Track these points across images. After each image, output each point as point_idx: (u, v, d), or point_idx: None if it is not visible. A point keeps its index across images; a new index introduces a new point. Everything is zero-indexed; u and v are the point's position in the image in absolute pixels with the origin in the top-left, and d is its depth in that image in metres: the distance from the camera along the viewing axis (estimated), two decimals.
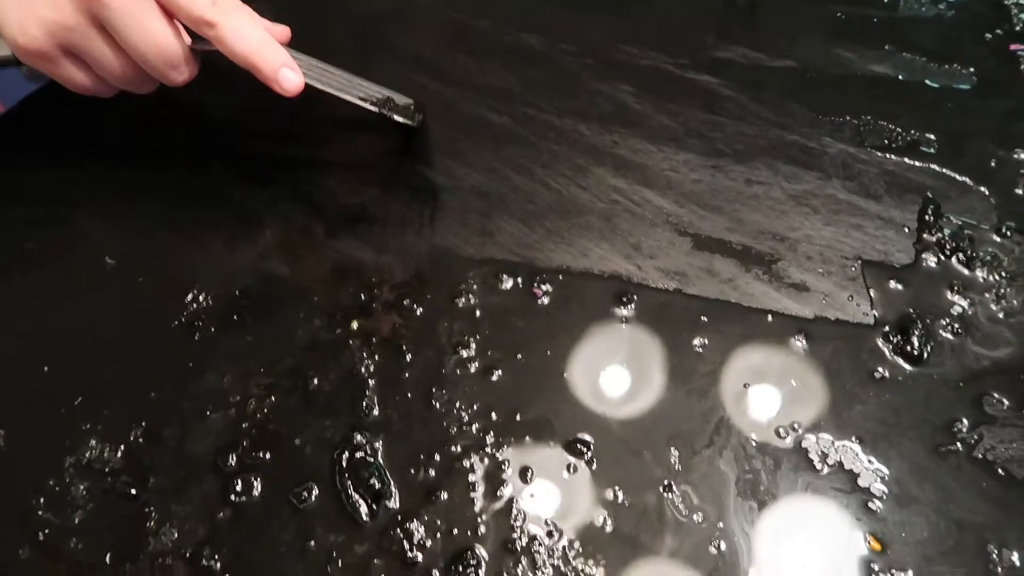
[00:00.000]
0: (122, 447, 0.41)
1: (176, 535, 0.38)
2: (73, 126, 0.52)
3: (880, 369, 0.41)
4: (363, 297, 0.45)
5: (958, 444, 0.39)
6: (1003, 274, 0.44)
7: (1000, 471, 0.38)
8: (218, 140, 0.52)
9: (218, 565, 0.38)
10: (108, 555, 0.38)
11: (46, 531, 0.39)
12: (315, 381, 0.42)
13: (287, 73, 0.43)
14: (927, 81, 0.53)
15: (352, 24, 0.57)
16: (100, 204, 0.49)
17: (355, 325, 0.44)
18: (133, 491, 0.40)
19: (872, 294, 0.44)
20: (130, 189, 0.50)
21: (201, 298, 0.45)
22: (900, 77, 0.53)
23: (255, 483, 0.40)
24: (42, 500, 0.39)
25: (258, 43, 0.43)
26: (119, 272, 0.47)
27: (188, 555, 0.38)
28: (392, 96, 0.48)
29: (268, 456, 0.40)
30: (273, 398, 0.42)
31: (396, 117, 0.48)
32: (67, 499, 0.39)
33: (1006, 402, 0.40)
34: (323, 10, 0.58)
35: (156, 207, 0.49)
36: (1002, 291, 0.44)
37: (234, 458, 0.40)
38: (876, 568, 0.36)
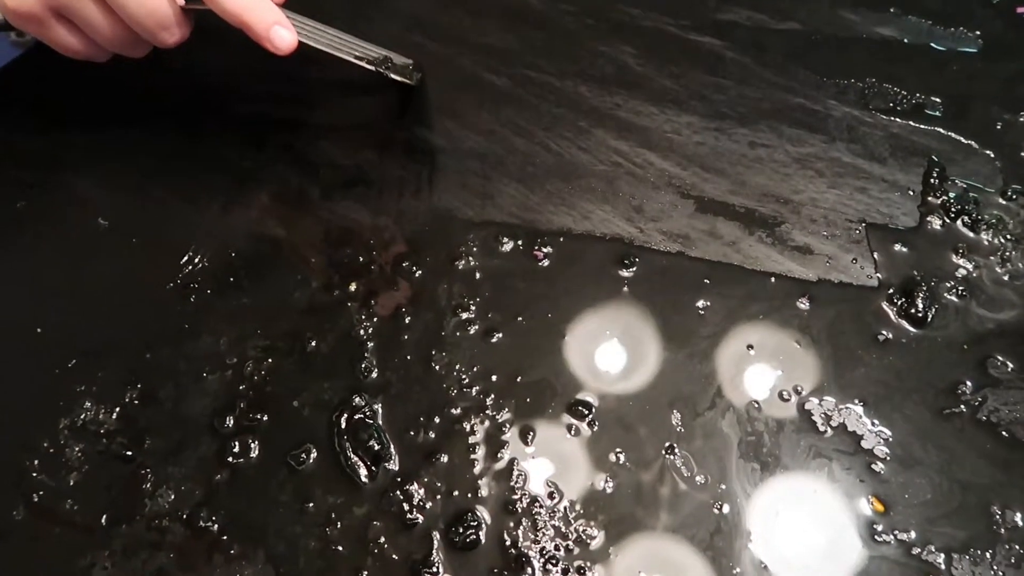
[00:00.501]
0: (117, 409, 0.40)
1: (173, 497, 0.38)
2: (65, 88, 0.51)
3: (884, 332, 0.41)
4: (361, 260, 0.44)
5: (962, 406, 0.39)
6: (1008, 237, 0.44)
7: (1004, 433, 0.38)
8: (212, 102, 0.51)
9: (215, 527, 0.37)
10: (104, 517, 0.38)
11: (41, 493, 0.38)
12: (313, 343, 0.42)
13: (279, 31, 0.42)
14: (932, 44, 0.52)
15: None
16: (93, 165, 0.48)
17: (353, 287, 0.43)
18: (128, 453, 0.39)
19: (876, 257, 0.43)
20: (123, 150, 0.49)
21: (196, 260, 0.45)
22: (905, 40, 0.52)
23: (252, 445, 0.39)
24: (37, 462, 0.39)
25: (250, 0, 0.42)
26: (113, 234, 0.46)
27: (185, 517, 0.37)
28: (390, 55, 0.47)
29: (265, 418, 0.40)
30: (270, 360, 0.41)
31: (394, 76, 0.47)
32: (62, 461, 0.39)
33: (1010, 365, 0.40)
34: None
35: (150, 169, 0.48)
36: (1007, 254, 0.43)
37: (231, 420, 0.40)
38: (879, 529, 0.36)
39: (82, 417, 0.40)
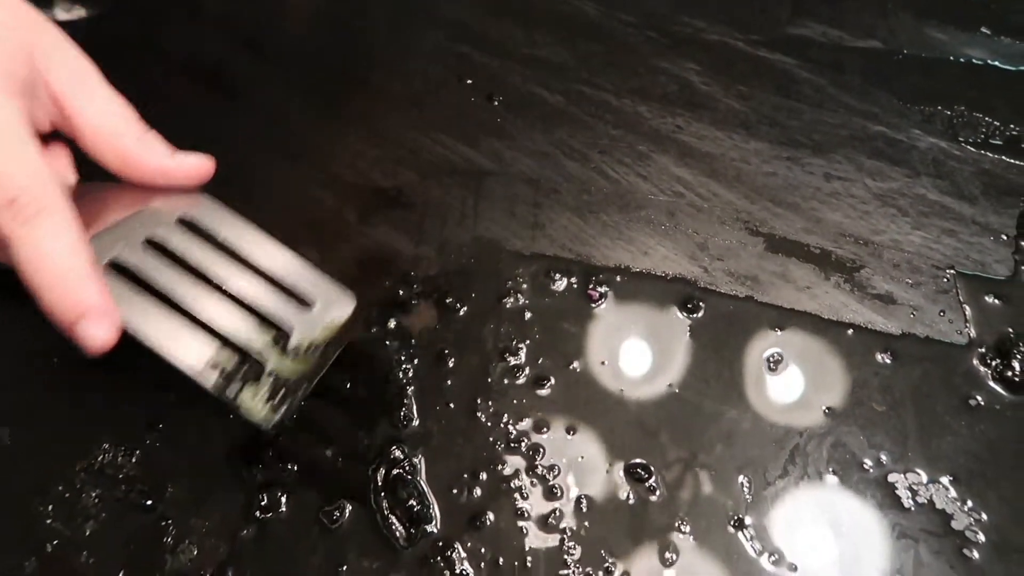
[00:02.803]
0: (137, 452, 0.37)
1: (196, 552, 0.35)
2: None
3: (976, 396, 0.37)
4: (400, 293, 0.41)
5: None
6: None
7: None
8: (241, 113, 0.48)
9: None
10: (121, 572, 0.35)
11: (54, 542, 0.35)
12: (347, 385, 0.39)
13: (86, 328, 0.31)
14: None
15: None
16: None
17: (392, 324, 0.40)
18: (149, 502, 0.36)
19: (967, 310, 0.39)
20: None
21: None
22: (998, 64, 0.48)
23: (282, 499, 0.36)
24: (51, 508, 0.36)
25: (58, 274, 0.30)
26: None
27: None
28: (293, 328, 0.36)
29: (296, 468, 0.37)
30: (303, 402, 0.38)
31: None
32: (77, 507, 0.36)
33: None
34: None
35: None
36: None
37: (260, 469, 0.37)
38: None
39: (100, 459, 0.37)
